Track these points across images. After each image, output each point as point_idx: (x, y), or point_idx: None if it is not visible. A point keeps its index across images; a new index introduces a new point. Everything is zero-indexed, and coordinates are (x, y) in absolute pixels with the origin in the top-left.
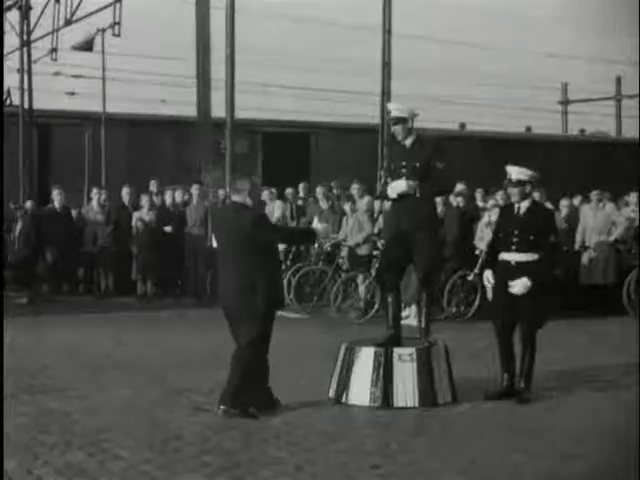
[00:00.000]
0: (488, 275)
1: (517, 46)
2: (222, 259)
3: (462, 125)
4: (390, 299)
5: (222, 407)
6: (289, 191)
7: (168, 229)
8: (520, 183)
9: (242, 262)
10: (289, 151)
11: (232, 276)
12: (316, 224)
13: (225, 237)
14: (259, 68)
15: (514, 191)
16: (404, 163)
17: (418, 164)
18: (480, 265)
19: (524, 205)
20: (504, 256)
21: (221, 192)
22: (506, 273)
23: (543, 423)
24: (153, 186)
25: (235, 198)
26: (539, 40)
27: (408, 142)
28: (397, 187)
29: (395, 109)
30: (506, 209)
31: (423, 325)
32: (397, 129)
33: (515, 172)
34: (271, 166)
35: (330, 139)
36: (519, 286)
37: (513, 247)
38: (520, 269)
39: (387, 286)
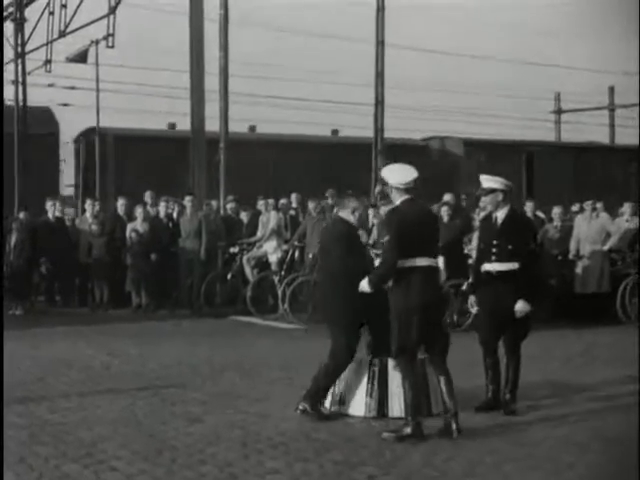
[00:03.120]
0: (472, 301)
1: (510, 56)
2: (320, 268)
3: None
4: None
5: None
6: (283, 201)
7: (153, 257)
8: (492, 191)
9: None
10: None
11: (327, 286)
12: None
13: (321, 246)
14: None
15: (486, 199)
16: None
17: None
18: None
19: (501, 214)
20: (486, 267)
21: (214, 203)
22: (488, 284)
23: (536, 433)
24: (147, 197)
25: (341, 214)
26: (531, 50)
27: None
28: None
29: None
30: (485, 220)
31: None
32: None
33: (486, 180)
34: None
35: None
36: (518, 312)
37: (493, 257)
38: (501, 279)
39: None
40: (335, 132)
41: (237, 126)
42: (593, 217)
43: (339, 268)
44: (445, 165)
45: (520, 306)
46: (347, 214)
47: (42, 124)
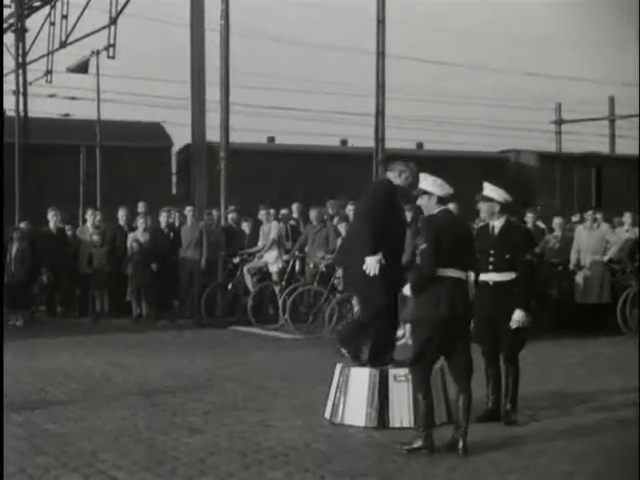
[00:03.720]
0: None
1: (510, 67)
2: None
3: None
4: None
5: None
6: (283, 212)
7: (154, 267)
8: (489, 200)
9: None
10: None
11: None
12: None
13: (359, 203)
14: None
15: (483, 207)
16: None
17: None
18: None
19: (498, 224)
20: (482, 277)
21: (215, 213)
22: (485, 294)
23: (537, 443)
24: (141, 207)
25: (388, 174)
26: (531, 61)
27: None
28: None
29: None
30: (482, 230)
31: None
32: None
33: (487, 188)
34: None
35: None
36: (514, 322)
37: (490, 267)
38: (498, 289)
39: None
40: (344, 142)
41: (237, 136)
42: (594, 227)
43: (372, 227)
44: (520, 177)
45: (517, 316)
46: (394, 176)
47: (155, 138)
